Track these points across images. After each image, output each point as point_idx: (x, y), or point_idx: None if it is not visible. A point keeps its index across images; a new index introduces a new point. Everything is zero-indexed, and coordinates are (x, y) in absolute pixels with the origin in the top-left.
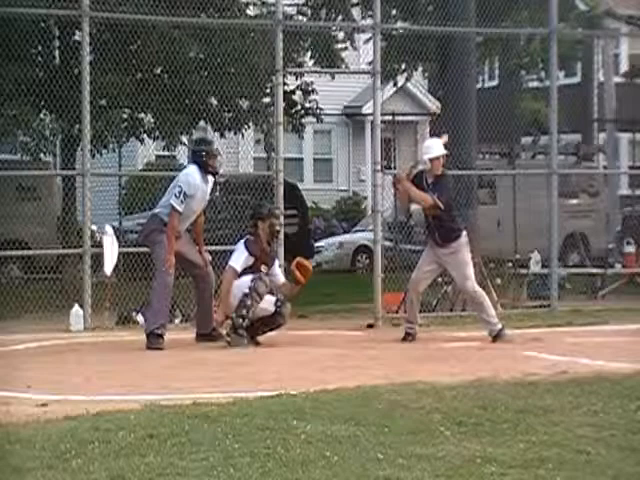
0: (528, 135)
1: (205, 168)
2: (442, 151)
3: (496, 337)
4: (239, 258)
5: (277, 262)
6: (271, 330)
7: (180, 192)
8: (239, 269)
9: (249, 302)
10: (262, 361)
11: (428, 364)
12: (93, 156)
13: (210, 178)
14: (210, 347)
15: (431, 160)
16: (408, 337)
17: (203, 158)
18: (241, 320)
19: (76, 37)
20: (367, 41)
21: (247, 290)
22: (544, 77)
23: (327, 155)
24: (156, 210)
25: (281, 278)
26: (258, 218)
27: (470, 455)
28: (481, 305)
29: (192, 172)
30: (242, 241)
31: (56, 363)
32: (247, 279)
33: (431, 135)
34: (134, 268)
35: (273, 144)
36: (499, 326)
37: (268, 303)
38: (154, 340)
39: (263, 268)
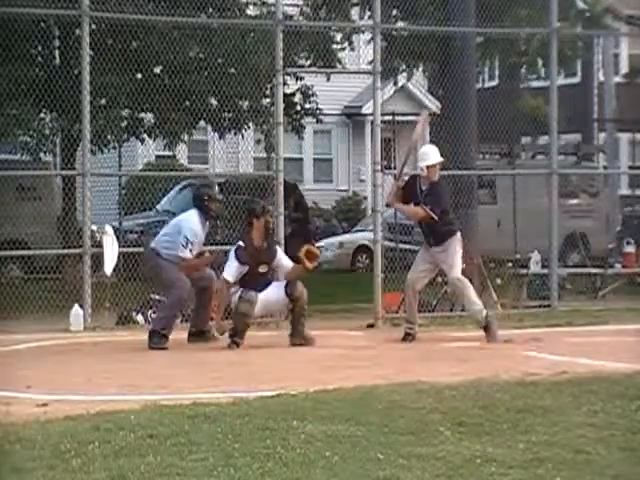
0: (527, 135)
1: (207, 212)
2: (439, 158)
3: (486, 327)
4: (230, 268)
5: (279, 252)
6: (302, 316)
7: (187, 242)
8: (232, 280)
9: (239, 325)
10: (262, 361)
11: (428, 364)
12: (94, 154)
13: (208, 222)
14: (210, 347)
15: (427, 167)
16: (408, 337)
17: (205, 202)
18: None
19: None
20: (369, 42)
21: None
22: (544, 76)
23: (327, 155)
24: (154, 245)
25: (287, 265)
26: (253, 216)
27: (470, 455)
28: (464, 294)
29: (195, 220)
30: (233, 249)
31: (56, 363)
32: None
33: (431, 135)
34: (134, 268)
35: (273, 144)
36: (484, 312)
37: (279, 303)
38: (158, 340)
39: (262, 268)
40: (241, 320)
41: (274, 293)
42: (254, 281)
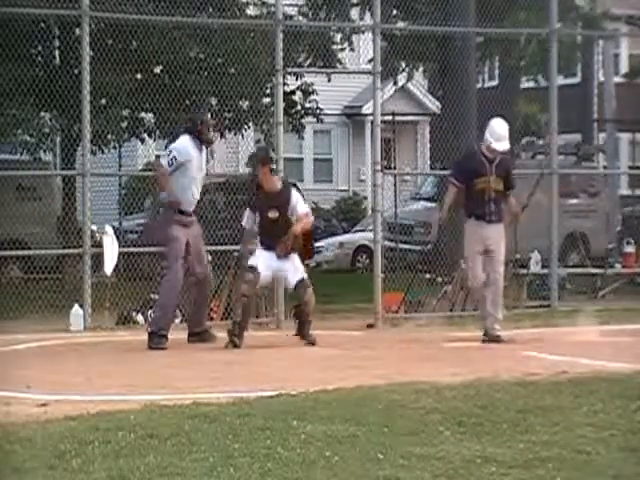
0: (527, 135)
1: (198, 136)
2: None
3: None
4: (245, 217)
5: (293, 197)
6: (303, 315)
7: (170, 153)
8: (246, 226)
9: (237, 309)
10: (262, 361)
11: (428, 364)
12: (94, 154)
13: (203, 147)
14: (209, 347)
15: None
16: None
17: (197, 126)
18: (233, 325)
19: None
20: (370, 42)
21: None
22: (542, 79)
23: (327, 155)
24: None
25: (300, 212)
26: (258, 162)
27: (470, 455)
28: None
29: (183, 140)
30: None
31: (56, 363)
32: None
33: (431, 135)
34: (134, 268)
35: (273, 144)
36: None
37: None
38: (157, 340)
39: (272, 213)
40: (240, 302)
41: (289, 269)
42: (266, 229)
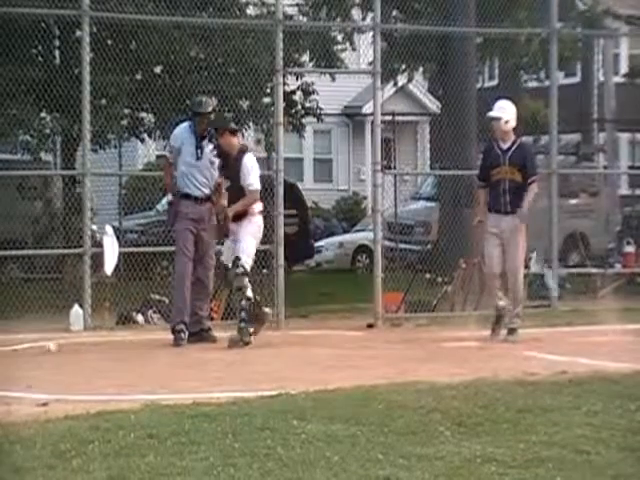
0: (527, 135)
1: (194, 125)
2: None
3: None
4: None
5: (244, 165)
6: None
7: (170, 145)
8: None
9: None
10: (262, 361)
11: (428, 364)
12: (96, 151)
13: (206, 138)
14: (210, 347)
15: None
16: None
17: (193, 116)
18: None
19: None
20: (370, 44)
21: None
22: (543, 78)
23: (327, 155)
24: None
25: (245, 182)
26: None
27: (470, 455)
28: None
29: (179, 127)
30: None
31: (56, 363)
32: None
33: (431, 135)
34: (134, 268)
35: (273, 144)
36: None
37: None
38: (175, 336)
39: (226, 182)
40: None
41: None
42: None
